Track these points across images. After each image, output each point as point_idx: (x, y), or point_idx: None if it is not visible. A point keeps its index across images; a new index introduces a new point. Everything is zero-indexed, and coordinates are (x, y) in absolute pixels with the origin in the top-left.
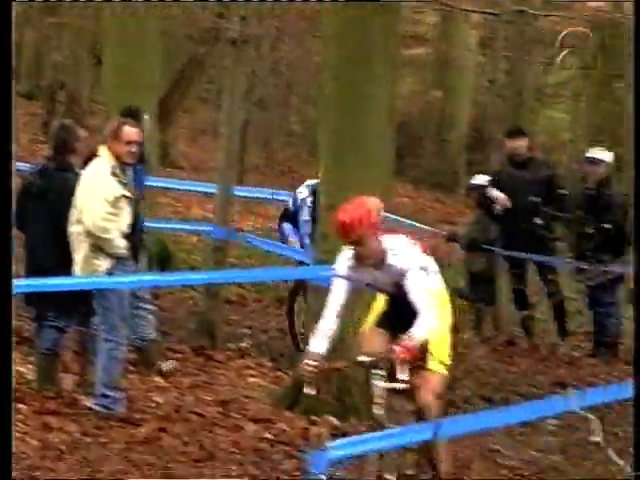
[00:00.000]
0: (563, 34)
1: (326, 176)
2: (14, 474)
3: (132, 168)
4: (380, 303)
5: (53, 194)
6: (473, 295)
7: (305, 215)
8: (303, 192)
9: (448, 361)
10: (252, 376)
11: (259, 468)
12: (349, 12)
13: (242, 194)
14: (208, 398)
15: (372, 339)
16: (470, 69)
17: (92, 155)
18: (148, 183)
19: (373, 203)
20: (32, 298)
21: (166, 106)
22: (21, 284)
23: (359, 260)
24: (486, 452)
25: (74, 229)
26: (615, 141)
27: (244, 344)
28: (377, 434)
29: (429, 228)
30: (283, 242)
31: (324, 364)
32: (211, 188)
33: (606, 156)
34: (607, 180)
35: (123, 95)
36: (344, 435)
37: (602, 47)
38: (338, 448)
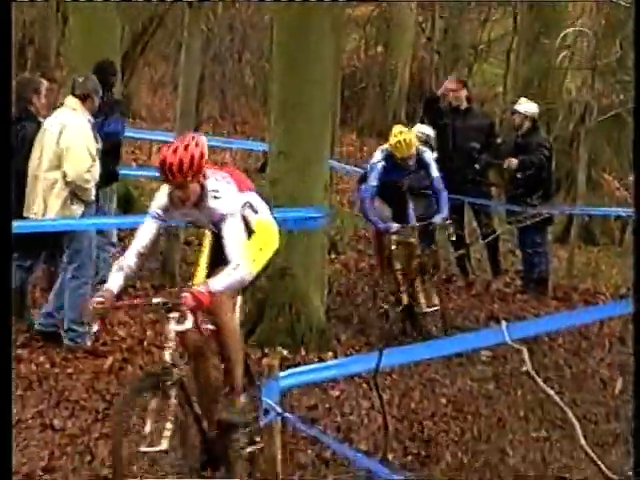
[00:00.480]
0: (563, 34)
1: (275, 126)
2: None
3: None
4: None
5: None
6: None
7: (371, 180)
8: (376, 156)
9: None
10: None
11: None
12: None
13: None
14: None
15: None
16: (410, 27)
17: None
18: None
19: (199, 143)
20: None
21: (128, 61)
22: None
23: (178, 200)
24: (425, 382)
25: (49, 175)
26: (541, 93)
27: None
28: (325, 364)
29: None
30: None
31: (114, 300)
32: (170, 137)
33: (532, 107)
34: (534, 128)
35: (88, 51)
36: (294, 366)
37: (531, 7)
38: (288, 377)
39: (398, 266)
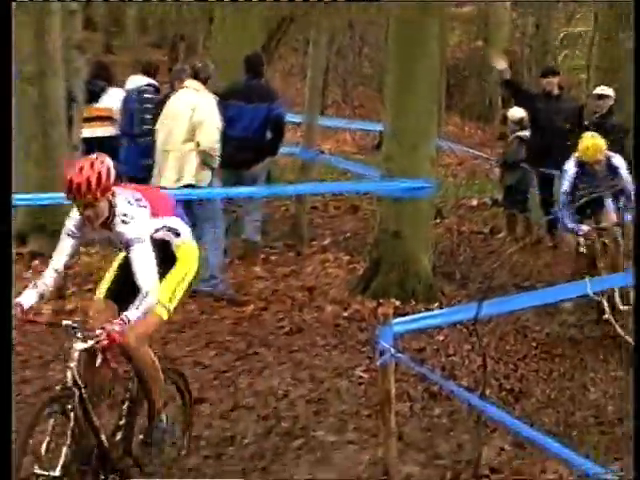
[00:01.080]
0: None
1: (390, 109)
2: None
3: None
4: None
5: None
6: (508, 204)
7: (564, 186)
8: (569, 163)
9: (170, 305)
10: (332, 267)
11: (338, 339)
12: None
13: (323, 123)
14: (298, 284)
15: (98, 310)
16: (505, 24)
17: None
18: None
19: (104, 162)
20: None
21: (265, 54)
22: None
23: (88, 220)
24: (519, 328)
25: (185, 147)
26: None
27: (325, 242)
28: (431, 313)
29: (473, 150)
30: None
31: (26, 315)
32: (299, 118)
33: (610, 92)
34: (610, 112)
35: (231, 45)
36: (405, 315)
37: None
38: (400, 324)
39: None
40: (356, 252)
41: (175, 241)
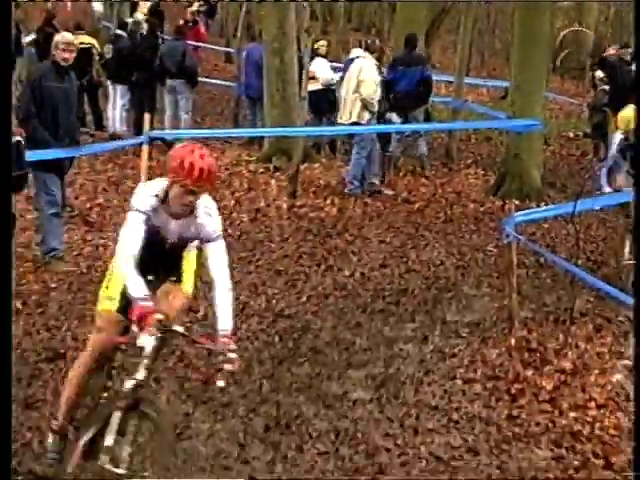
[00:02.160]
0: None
1: (514, 71)
2: None
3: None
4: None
5: None
6: (594, 136)
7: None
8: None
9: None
10: (472, 179)
11: (476, 226)
12: None
13: (468, 81)
14: (449, 190)
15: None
16: (594, 10)
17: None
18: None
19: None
20: None
21: (430, 33)
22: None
23: (185, 206)
24: (600, 219)
25: (353, 96)
26: None
27: (468, 162)
28: (540, 209)
29: (570, 99)
30: None
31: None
32: (451, 78)
33: None
34: None
35: (408, 26)
36: (522, 210)
37: None
38: (519, 216)
39: None
40: (489, 168)
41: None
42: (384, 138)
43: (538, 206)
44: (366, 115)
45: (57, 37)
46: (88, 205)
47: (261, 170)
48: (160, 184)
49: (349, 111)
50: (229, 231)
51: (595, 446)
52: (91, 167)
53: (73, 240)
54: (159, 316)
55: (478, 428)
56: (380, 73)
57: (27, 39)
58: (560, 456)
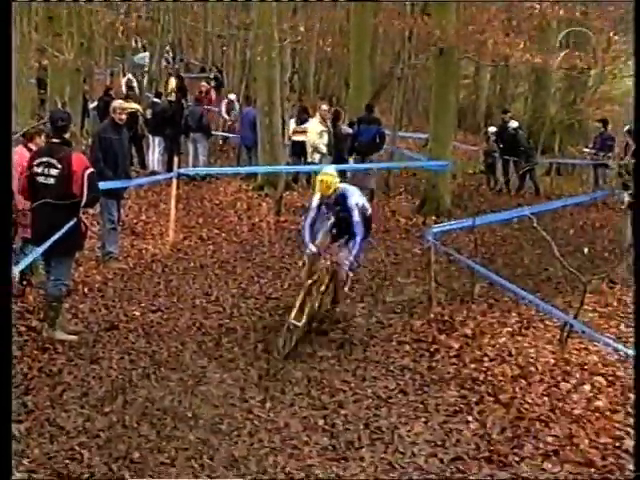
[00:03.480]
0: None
1: (432, 127)
2: None
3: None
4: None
5: None
6: (487, 172)
7: None
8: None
9: None
10: (404, 201)
11: (406, 235)
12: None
13: (400, 134)
14: (388, 210)
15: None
16: (486, 87)
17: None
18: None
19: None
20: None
21: (373, 101)
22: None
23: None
24: (491, 230)
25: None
26: None
27: (401, 190)
28: (450, 223)
29: (470, 147)
30: None
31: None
32: (388, 131)
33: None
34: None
35: (358, 96)
36: (438, 224)
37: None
38: (436, 228)
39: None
40: (415, 195)
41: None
42: (341, 174)
43: (449, 221)
44: (316, 156)
45: (114, 104)
46: (135, 221)
47: (256, 196)
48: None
49: (309, 153)
50: (233, 238)
51: (488, 387)
52: (137, 194)
53: (124, 246)
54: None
55: (407, 376)
56: (351, 127)
57: (92, 105)
58: (464, 395)
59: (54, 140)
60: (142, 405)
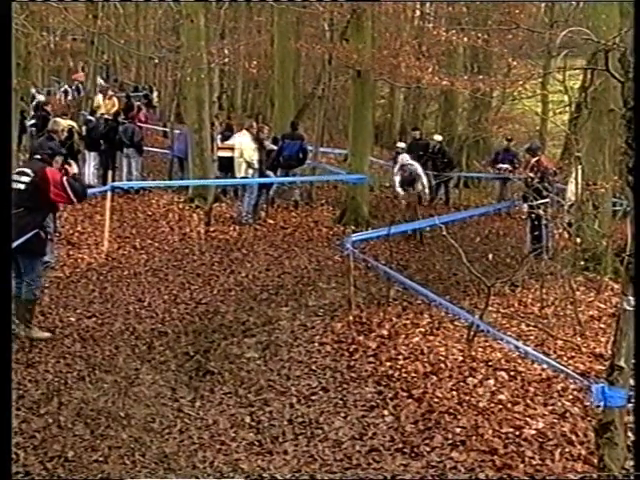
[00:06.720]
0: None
1: (351, 145)
2: None
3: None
4: None
5: None
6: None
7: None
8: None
9: None
10: (326, 212)
11: (327, 243)
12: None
13: (322, 150)
14: (310, 220)
15: None
16: (400, 107)
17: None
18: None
19: None
20: None
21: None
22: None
23: None
24: (405, 238)
25: (241, 159)
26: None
27: (323, 201)
28: (367, 232)
29: (385, 162)
30: None
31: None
32: (310, 147)
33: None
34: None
35: (283, 114)
36: (356, 232)
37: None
38: (355, 237)
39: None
40: (336, 206)
41: None
42: (267, 186)
43: (367, 230)
44: (250, 171)
45: (52, 121)
46: (71, 231)
47: (187, 208)
48: None
49: (241, 169)
50: (165, 247)
51: (402, 384)
52: (72, 206)
53: (60, 255)
54: None
55: (328, 374)
56: (275, 143)
57: (29, 123)
58: (380, 391)
59: (35, 157)
60: (77, 406)
